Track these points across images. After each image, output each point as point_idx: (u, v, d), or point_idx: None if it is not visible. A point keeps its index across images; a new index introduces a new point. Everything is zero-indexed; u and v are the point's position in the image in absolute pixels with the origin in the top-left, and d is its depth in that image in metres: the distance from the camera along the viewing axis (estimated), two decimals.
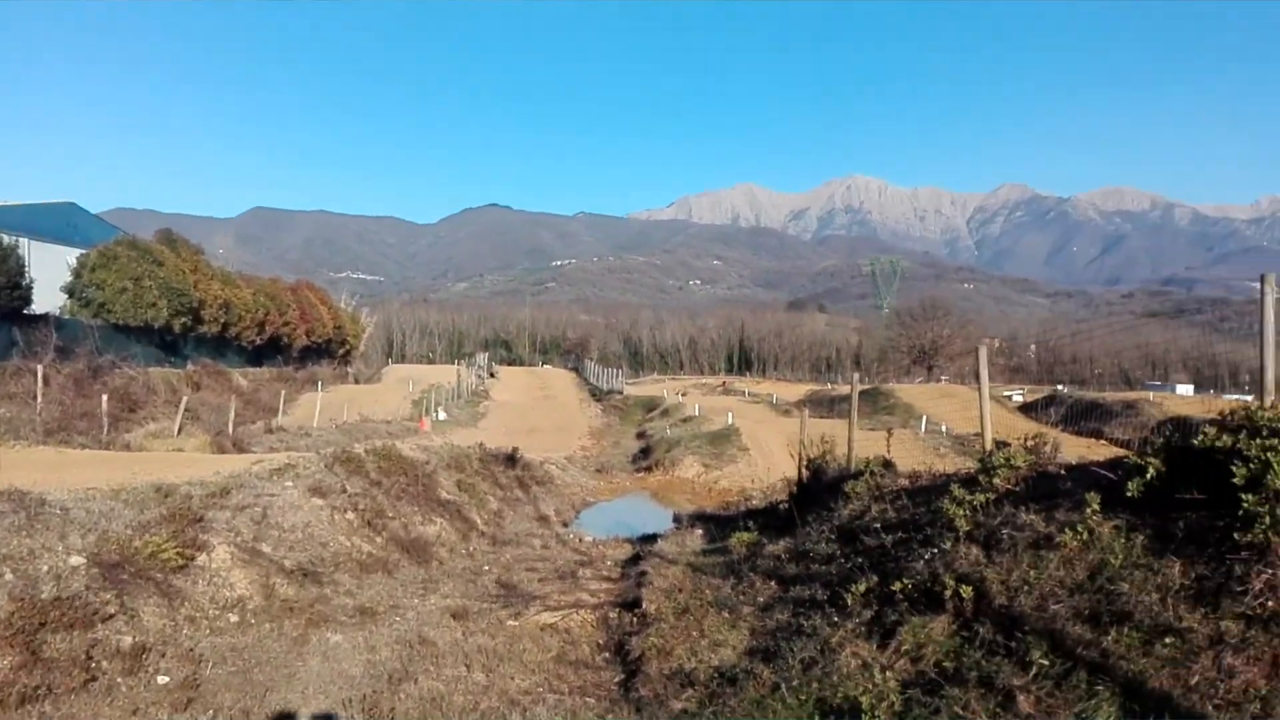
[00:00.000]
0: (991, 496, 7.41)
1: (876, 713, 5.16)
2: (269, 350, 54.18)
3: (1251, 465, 5.14)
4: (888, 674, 5.59)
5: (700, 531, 13.72)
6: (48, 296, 36.23)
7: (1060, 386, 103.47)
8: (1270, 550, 4.89)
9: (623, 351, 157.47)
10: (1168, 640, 4.69)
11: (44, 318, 33.29)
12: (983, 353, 10.46)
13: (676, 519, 16.90)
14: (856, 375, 18.00)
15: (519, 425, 43.10)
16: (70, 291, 38.58)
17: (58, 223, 44.73)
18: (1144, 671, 4.57)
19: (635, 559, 12.35)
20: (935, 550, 7.01)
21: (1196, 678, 4.37)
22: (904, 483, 10.15)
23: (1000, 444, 8.87)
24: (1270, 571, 4.77)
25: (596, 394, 65.80)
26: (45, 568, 7.51)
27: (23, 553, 7.62)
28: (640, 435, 43.69)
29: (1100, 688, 4.58)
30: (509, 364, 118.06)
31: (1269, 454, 5.09)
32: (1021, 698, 4.76)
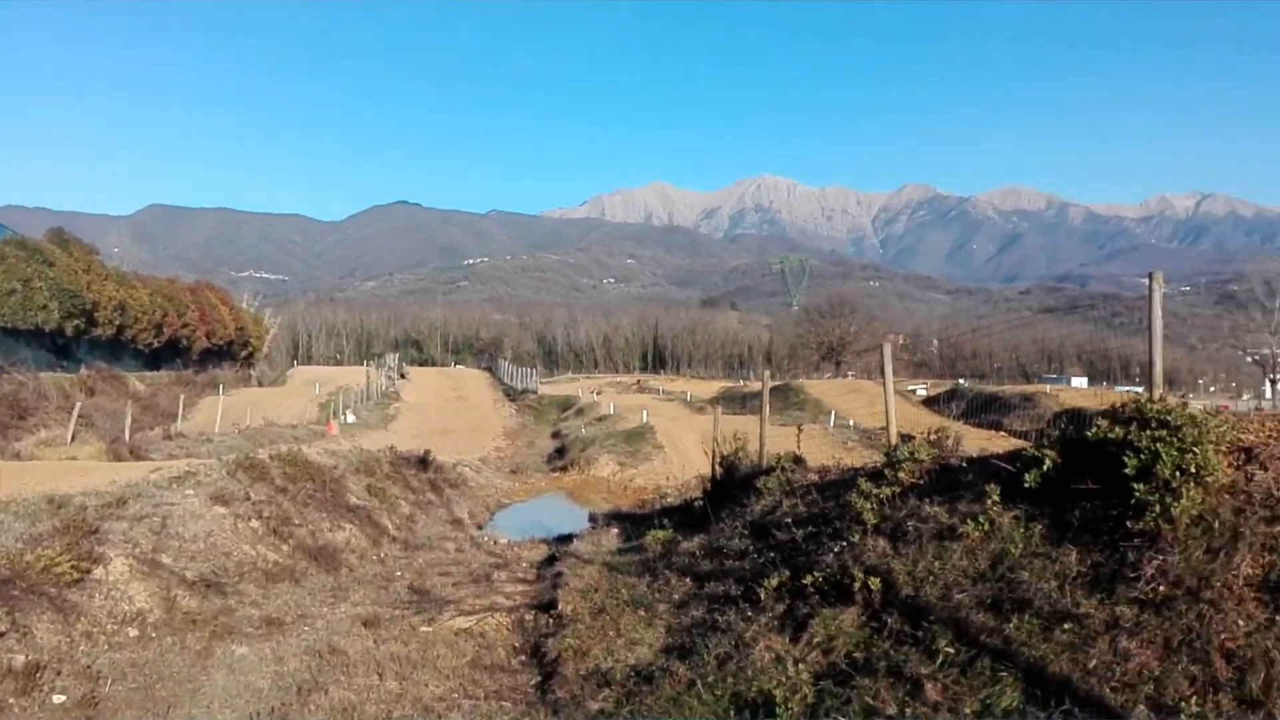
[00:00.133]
0: (897, 489, 7.61)
1: (790, 705, 5.26)
2: (168, 353, 52.32)
3: (1142, 456, 5.39)
4: (800, 666, 5.70)
5: (616, 530, 13.75)
6: None
7: (961, 381, 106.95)
8: (1161, 537, 5.13)
9: (537, 351, 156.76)
10: (1066, 626, 4.89)
11: None
12: (887, 349, 10.71)
13: (592, 518, 16.90)
14: (767, 372, 18.29)
15: (431, 427, 42.50)
16: None
17: None
18: (1045, 657, 4.75)
19: (551, 560, 12.31)
20: (844, 543, 7.18)
21: (1094, 661, 4.56)
22: (814, 477, 10.35)
23: (905, 437, 9.11)
24: (1161, 558, 5.01)
25: (511, 394, 65.33)
26: None
27: None
28: (555, 435, 43.58)
29: (1004, 674, 4.75)
30: (420, 365, 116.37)
31: (1158, 445, 5.35)
32: (929, 686, 4.90)
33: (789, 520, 8.65)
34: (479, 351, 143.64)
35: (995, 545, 5.98)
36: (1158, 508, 5.19)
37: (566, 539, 14.09)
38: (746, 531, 9.39)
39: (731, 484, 12.72)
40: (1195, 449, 5.28)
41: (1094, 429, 6.00)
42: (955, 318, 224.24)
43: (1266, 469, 5.40)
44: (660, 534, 11.13)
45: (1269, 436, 5.76)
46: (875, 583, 6.12)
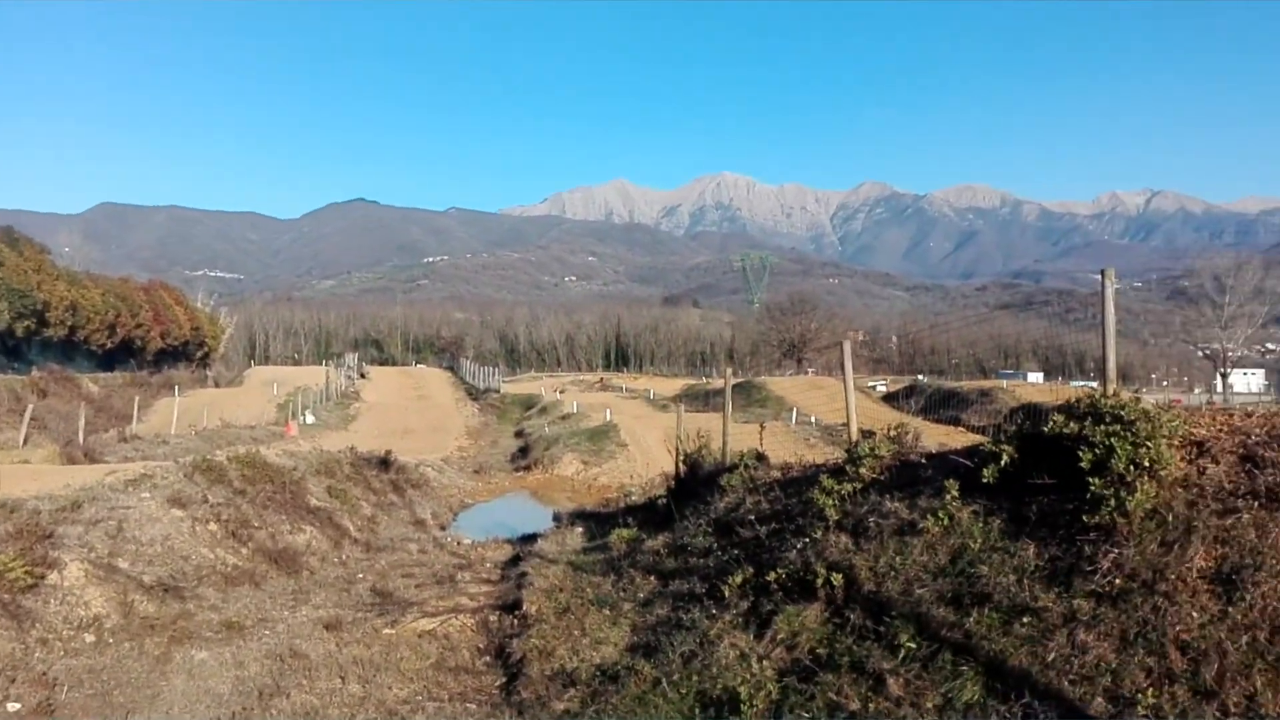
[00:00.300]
0: (859, 486, 7.67)
1: (755, 702, 5.29)
2: (121, 354, 51.40)
3: (1097, 450, 5.48)
4: (765, 663, 5.74)
5: (580, 530, 13.72)
6: None
7: (920, 377, 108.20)
8: (1116, 531, 5.23)
9: (499, 349, 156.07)
10: (1025, 619, 4.97)
11: None
12: (847, 346, 10.81)
13: (556, 518, 16.85)
14: (730, 370, 18.35)
15: (392, 427, 42.15)
16: None
17: None
18: (1004, 650, 4.83)
19: (515, 560, 12.26)
20: (807, 540, 7.23)
21: (1053, 654, 4.64)
22: (777, 474, 10.40)
23: (866, 434, 9.19)
24: (1116, 551, 5.10)
25: (473, 393, 64.98)
26: None
27: None
28: (518, 434, 43.42)
29: (965, 668, 4.81)
30: (381, 364, 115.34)
31: (1113, 439, 5.44)
32: (891, 680, 4.96)
33: (752, 517, 8.69)
34: (440, 350, 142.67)
35: (955, 540, 6.06)
36: (1113, 501, 5.29)
37: (531, 539, 14.04)
38: (710, 529, 9.42)
39: (695, 482, 12.75)
40: (1149, 443, 5.39)
41: (1050, 424, 6.09)
42: (914, 314, 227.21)
43: (1218, 462, 5.52)
44: (625, 533, 11.12)
45: (1220, 430, 5.89)
46: (838, 579, 6.17)
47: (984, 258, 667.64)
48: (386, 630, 8.78)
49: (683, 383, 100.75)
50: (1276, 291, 77.61)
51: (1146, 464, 5.35)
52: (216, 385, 57.95)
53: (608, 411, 42.60)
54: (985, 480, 6.29)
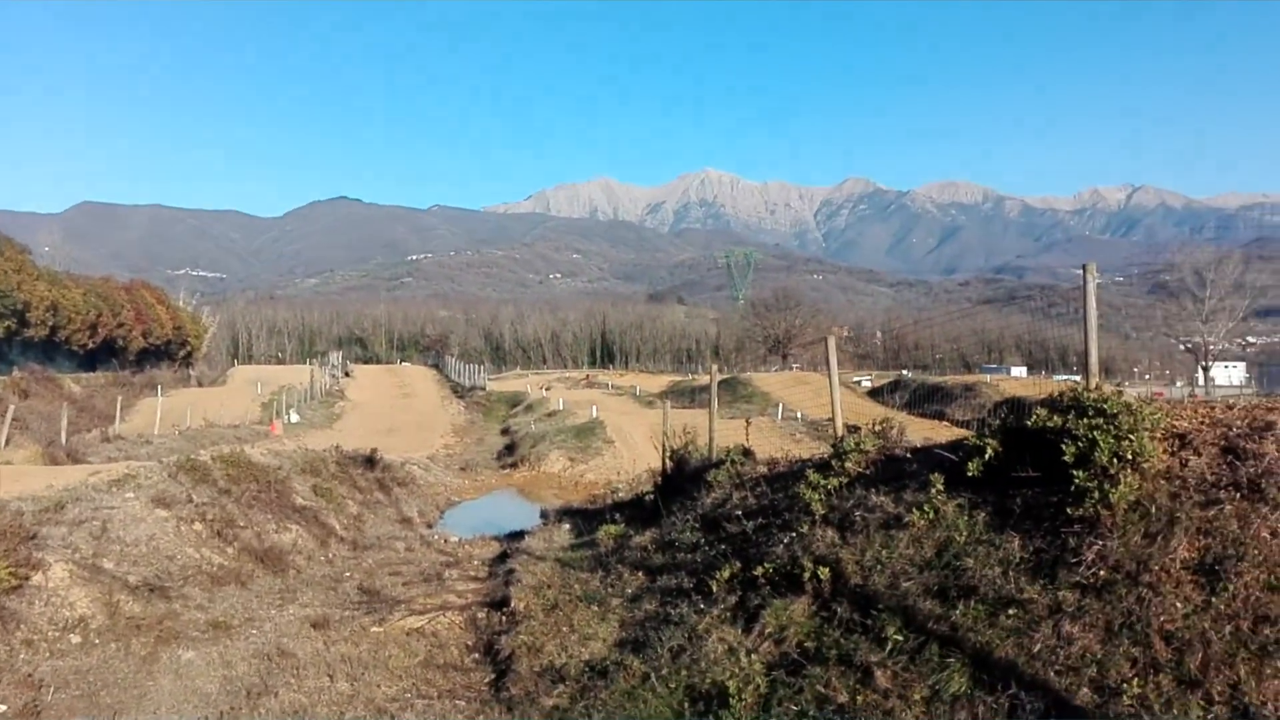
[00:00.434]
0: (844, 480, 7.71)
1: (743, 696, 5.31)
2: (103, 354, 51.01)
3: (1080, 444, 5.53)
4: (753, 657, 5.76)
5: (568, 526, 13.73)
6: None
7: (905, 371, 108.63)
8: (1100, 523, 5.28)
9: (484, 347, 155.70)
10: (1011, 611, 5.01)
11: None
12: (832, 342, 10.84)
13: (544, 515, 16.83)
14: (715, 366, 18.40)
15: (378, 425, 42.00)
16: None
17: None
18: (991, 642, 4.86)
19: (503, 557, 12.25)
20: (794, 534, 7.26)
21: (1039, 646, 4.68)
22: (763, 470, 10.43)
23: (851, 428, 9.23)
24: (1101, 543, 5.15)
25: (458, 391, 64.78)
26: None
27: None
28: (504, 431, 43.31)
29: (951, 660, 4.84)
30: (365, 362, 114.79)
31: (1096, 433, 5.49)
32: (879, 673, 4.99)
33: (739, 512, 8.72)
34: (425, 348, 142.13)
35: (940, 533, 6.09)
36: (1096, 494, 5.34)
37: (518, 536, 14.04)
38: (697, 524, 9.44)
39: (682, 478, 12.77)
40: (1131, 436, 5.44)
41: (1033, 418, 6.13)
42: (897, 310, 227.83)
43: (1200, 454, 5.57)
44: (612, 529, 11.14)
45: (1201, 423, 5.95)
46: (825, 572, 6.20)
47: (967, 253, 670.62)
48: (374, 628, 8.76)
49: (669, 379, 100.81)
50: (1256, 285, 78.25)
51: (1129, 457, 5.40)
52: (200, 385, 57.57)
53: (594, 408, 42.56)
54: (970, 474, 6.34)
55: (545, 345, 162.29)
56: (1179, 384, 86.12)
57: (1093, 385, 6.31)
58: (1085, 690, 4.30)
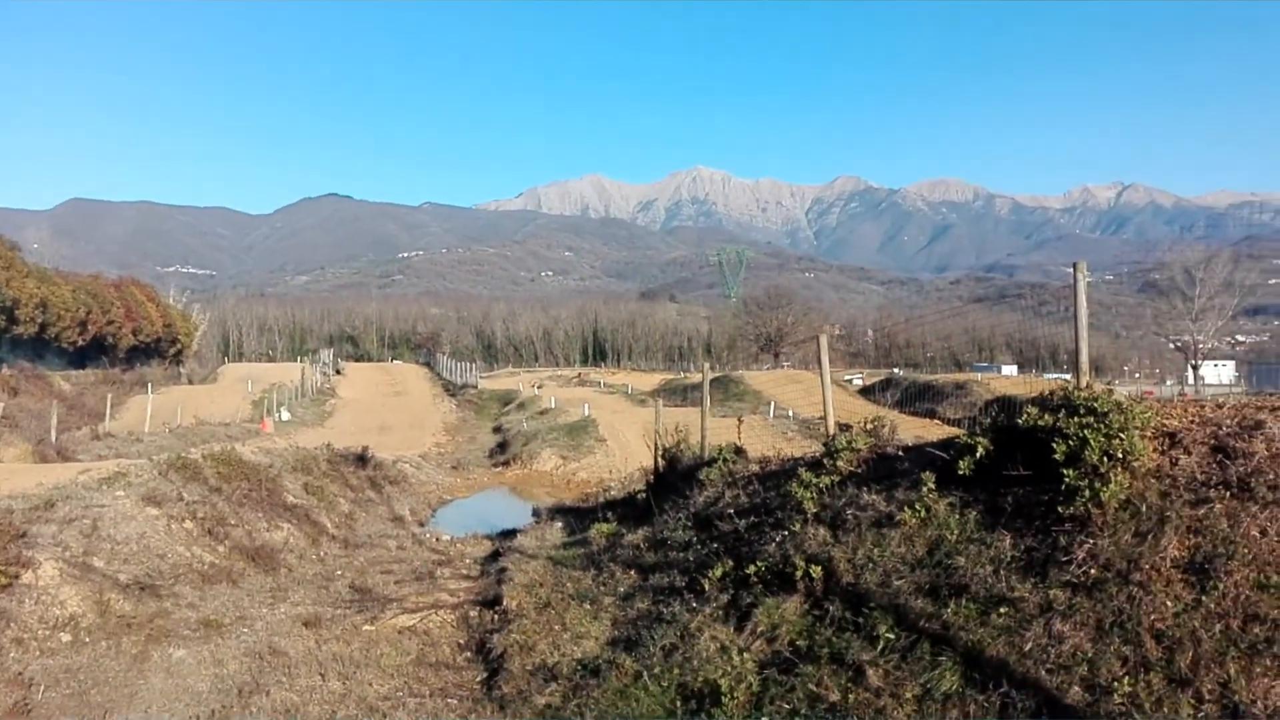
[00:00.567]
0: (836, 479, 7.73)
1: (735, 694, 5.32)
2: (93, 351, 50.79)
3: (1071, 442, 5.55)
4: (745, 655, 5.77)
5: (560, 524, 13.73)
6: None
7: (896, 370, 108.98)
8: (1091, 521, 5.30)
9: (476, 345, 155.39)
10: (1002, 610, 5.02)
11: None
12: (824, 340, 10.86)
13: (536, 513, 16.82)
14: (708, 364, 18.40)
15: (369, 423, 41.90)
16: None
17: None
18: (982, 640, 4.88)
19: (495, 555, 12.25)
20: (786, 532, 7.27)
21: (1030, 644, 4.70)
22: (755, 468, 10.45)
23: (843, 427, 9.24)
24: (1091, 541, 5.17)
25: (450, 389, 64.66)
26: None
27: None
28: (497, 429, 43.24)
29: (943, 658, 4.86)
30: (356, 360, 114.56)
31: (1086, 431, 5.51)
32: (871, 671, 5.00)
33: (731, 511, 8.73)
34: (417, 346, 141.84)
35: (932, 532, 6.11)
36: (1087, 492, 5.36)
37: (510, 534, 14.03)
38: (690, 523, 9.45)
39: (674, 476, 12.79)
40: (1122, 435, 5.46)
41: (1024, 416, 6.16)
42: (889, 308, 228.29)
43: (1190, 453, 5.60)
44: (604, 527, 11.14)
45: (1192, 421, 5.98)
46: (817, 571, 6.22)
47: (958, 251, 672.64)
48: (366, 627, 8.75)
49: (661, 377, 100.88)
50: (1246, 284, 78.66)
51: (1120, 455, 5.42)
52: (190, 382, 57.36)
53: (586, 406, 42.55)
54: (961, 472, 6.36)
55: (537, 343, 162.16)
56: (1169, 382, 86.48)
57: (1083, 384, 6.34)
58: (1076, 689, 4.31)
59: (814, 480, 7.67)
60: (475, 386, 65.28)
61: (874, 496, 6.96)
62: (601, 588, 8.50)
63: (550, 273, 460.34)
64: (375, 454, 22.17)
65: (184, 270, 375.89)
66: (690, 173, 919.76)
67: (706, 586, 7.04)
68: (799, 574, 6.28)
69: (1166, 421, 5.98)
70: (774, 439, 22.65)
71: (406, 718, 6.50)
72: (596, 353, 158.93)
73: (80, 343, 48.69)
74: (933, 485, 6.43)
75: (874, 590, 5.83)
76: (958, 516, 6.12)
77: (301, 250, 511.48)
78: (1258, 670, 4.04)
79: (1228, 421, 5.88)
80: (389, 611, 9.22)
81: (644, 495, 12.76)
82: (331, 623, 8.90)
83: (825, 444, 8.49)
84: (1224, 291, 72.93)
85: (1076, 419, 5.65)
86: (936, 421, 39.45)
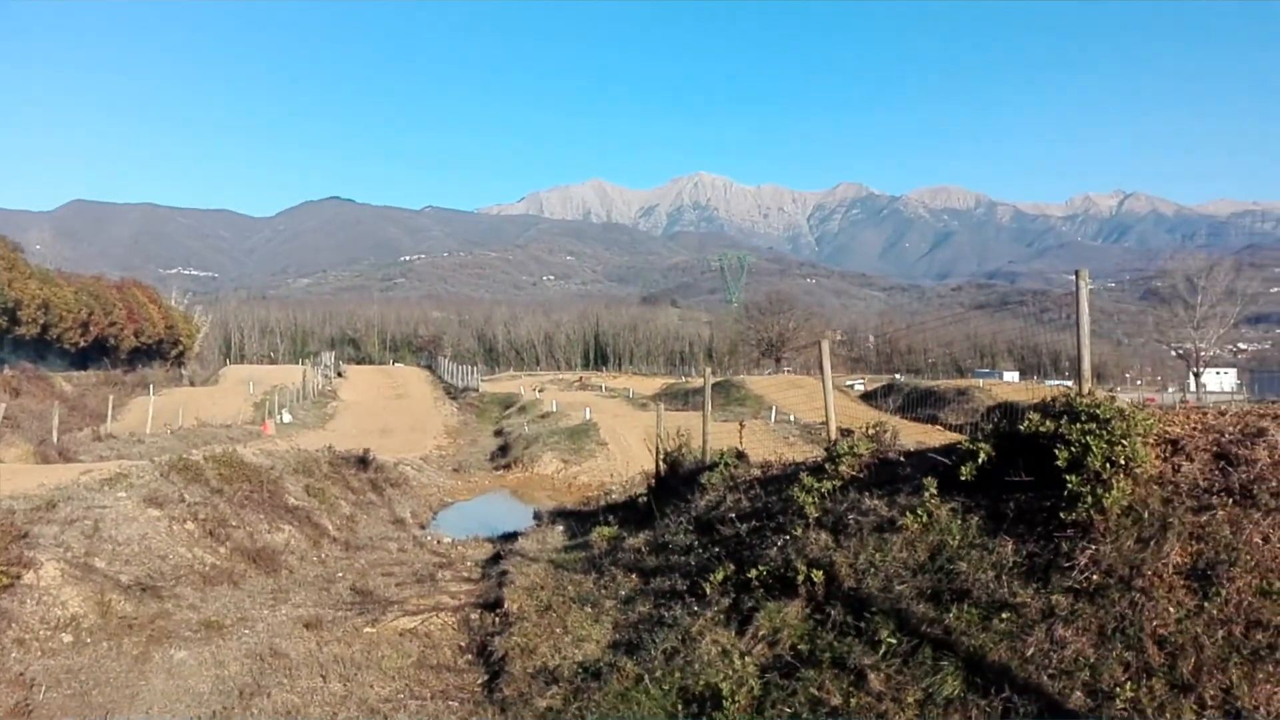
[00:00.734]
0: (838, 483, 7.73)
1: (736, 698, 5.32)
2: (95, 353, 50.86)
3: (1073, 449, 5.56)
4: (746, 659, 5.77)
5: (561, 528, 13.73)
6: None
7: (898, 375, 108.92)
8: (1093, 528, 5.30)
9: (477, 348, 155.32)
10: (1004, 615, 5.02)
11: None
12: (825, 346, 10.86)
13: (537, 516, 16.82)
14: (709, 369, 18.40)
15: (371, 426, 41.92)
16: None
17: None
18: (984, 645, 4.88)
19: (496, 558, 12.25)
20: (788, 537, 7.27)
21: (1032, 649, 4.70)
22: (756, 472, 10.45)
23: (844, 432, 9.24)
24: (1094, 547, 5.17)
25: (451, 392, 64.68)
26: None
27: None
28: (498, 433, 43.25)
29: (945, 663, 4.86)
30: (358, 363, 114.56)
31: (1088, 438, 5.52)
32: (872, 676, 5.00)
33: (733, 515, 8.73)
34: (418, 349, 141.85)
35: (934, 537, 6.12)
36: (1089, 499, 5.36)
37: (511, 537, 14.03)
38: (691, 527, 9.45)
39: (675, 480, 12.79)
40: (1124, 441, 5.47)
41: (1026, 423, 6.17)
42: (890, 314, 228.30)
43: (1192, 460, 5.60)
44: (605, 531, 11.14)
45: (1194, 429, 5.98)
46: (818, 575, 6.22)
47: (959, 258, 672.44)
48: (367, 629, 8.75)
49: (662, 381, 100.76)
50: (1247, 292, 78.73)
51: (1122, 462, 5.43)
52: (192, 384, 57.42)
53: (587, 410, 42.54)
54: (963, 478, 6.36)
55: (538, 347, 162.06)
56: (1171, 390, 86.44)
57: (1085, 390, 6.34)
58: (1078, 694, 4.32)
59: (816, 485, 7.67)
60: (476, 390, 65.30)
61: (876, 501, 6.96)
62: (603, 591, 8.50)
63: (552, 277, 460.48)
64: (376, 456, 22.19)
65: (186, 272, 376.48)
66: (692, 178, 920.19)
67: (708, 590, 7.04)
68: (800, 578, 6.28)
69: (1169, 429, 5.99)
70: (775, 444, 22.65)
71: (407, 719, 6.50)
72: (598, 357, 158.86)
73: (82, 344, 48.79)
74: (935, 490, 6.43)
75: (876, 595, 5.83)
76: (960, 522, 6.12)
77: (303, 253, 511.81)
78: (1260, 676, 4.04)
79: (1230, 429, 5.89)
80: (390, 614, 9.23)
81: (645, 499, 12.76)
82: (333, 625, 8.90)
83: (827, 449, 8.49)
84: (1226, 299, 72.96)
85: (1079, 425, 5.66)
86: (938, 427, 39.39)
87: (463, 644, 8.35)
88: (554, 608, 8.30)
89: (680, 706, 5.59)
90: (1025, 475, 5.97)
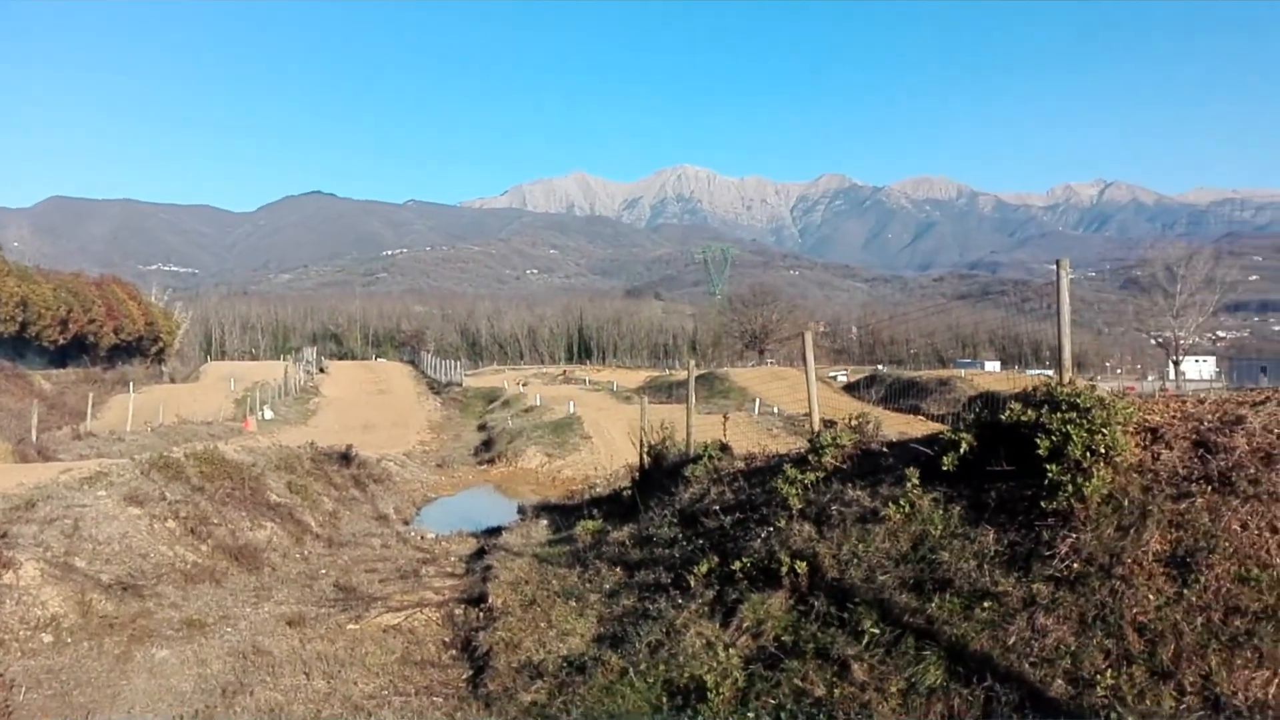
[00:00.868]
0: (821, 475, 7.75)
1: (721, 690, 5.33)
2: (74, 350, 50.44)
3: (1054, 438, 5.58)
4: (730, 651, 5.78)
5: (545, 522, 13.71)
6: None
7: (880, 366, 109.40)
8: (1073, 516, 5.33)
9: (461, 343, 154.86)
10: (986, 604, 5.05)
11: None
12: (808, 337, 10.88)
13: (521, 510, 16.78)
14: (693, 361, 18.41)
15: (353, 422, 41.73)
16: None
17: None
18: (966, 635, 4.90)
19: (480, 553, 12.22)
20: (771, 529, 7.28)
21: (1013, 638, 4.72)
22: (740, 465, 10.46)
23: (828, 423, 9.26)
24: (1074, 536, 5.20)
25: (435, 387, 64.47)
26: None
27: None
28: (481, 427, 43.16)
29: (927, 652, 4.88)
30: (340, 358, 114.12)
31: (1069, 427, 5.54)
32: (856, 666, 5.01)
33: (717, 507, 8.74)
34: (401, 344, 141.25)
35: (916, 527, 6.14)
36: (1070, 487, 5.39)
37: (495, 532, 14.00)
38: (675, 520, 9.46)
39: (660, 473, 12.79)
40: (1104, 430, 5.50)
41: (1007, 412, 6.19)
42: (873, 305, 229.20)
43: (1172, 448, 5.64)
44: (590, 524, 11.13)
45: (1173, 417, 6.02)
46: (802, 567, 6.23)
47: (941, 249, 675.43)
48: (351, 625, 8.72)
49: (646, 374, 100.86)
50: (1226, 281, 79.29)
51: (1102, 450, 5.46)
52: (172, 381, 57.04)
53: (571, 404, 42.51)
54: (945, 468, 6.38)
55: (522, 341, 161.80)
56: (1150, 378, 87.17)
57: (1066, 380, 6.37)
58: (1060, 682, 4.34)
59: (799, 476, 7.68)
60: (460, 384, 65.12)
61: (859, 492, 6.98)
62: (587, 585, 8.49)
63: (535, 270, 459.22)
64: (359, 452, 22.09)
65: (166, 268, 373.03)
66: (675, 170, 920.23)
67: (692, 583, 7.05)
68: (784, 570, 6.29)
69: (1148, 417, 6.02)
70: (759, 436, 22.70)
71: (392, 716, 6.47)
72: (582, 350, 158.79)
73: (61, 341, 48.40)
74: (917, 481, 6.45)
75: (859, 585, 5.85)
76: (942, 512, 6.15)
77: (285, 248, 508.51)
78: (1239, 662, 4.07)
79: (1209, 417, 5.93)
80: (374, 610, 9.19)
81: (630, 492, 12.76)
82: (316, 622, 8.86)
83: (810, 440, 8.51)
84: (1205, 288, 73.53)
85: (1059, 415, 5.69)
86: (921, 418, 39.55)
87: (447, 639, 8.33)
88: (538, 602, 8.29)
89: (665, 699, 5.59)
90: (1006, 465, 6.00)
